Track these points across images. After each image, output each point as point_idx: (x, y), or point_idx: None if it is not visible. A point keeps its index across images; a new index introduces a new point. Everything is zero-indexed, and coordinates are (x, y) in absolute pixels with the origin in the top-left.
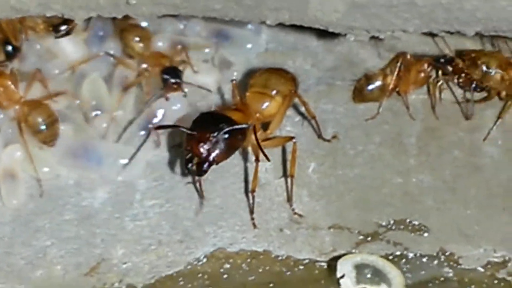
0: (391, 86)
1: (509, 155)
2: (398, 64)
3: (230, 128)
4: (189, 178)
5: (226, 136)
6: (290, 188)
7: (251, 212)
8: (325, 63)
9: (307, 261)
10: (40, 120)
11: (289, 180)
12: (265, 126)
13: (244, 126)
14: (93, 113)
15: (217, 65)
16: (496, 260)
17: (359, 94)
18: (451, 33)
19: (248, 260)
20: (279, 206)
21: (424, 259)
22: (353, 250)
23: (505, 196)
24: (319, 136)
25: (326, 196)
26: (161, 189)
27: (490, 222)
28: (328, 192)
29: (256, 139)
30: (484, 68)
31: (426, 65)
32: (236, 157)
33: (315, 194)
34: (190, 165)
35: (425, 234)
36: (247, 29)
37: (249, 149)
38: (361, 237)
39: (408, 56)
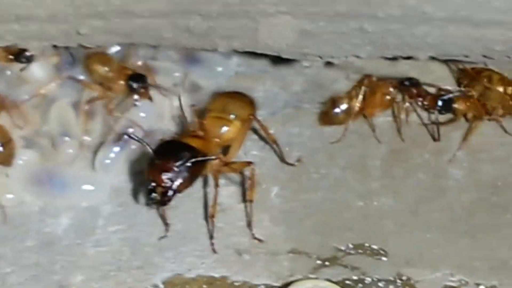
0: (356, 109)
1: (474, 177)
2: (363, 87)
3: (195, 159)
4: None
5: (189, 165)
6: (249, 213)
7: (211, 237)
8: (293, 86)
9: (262, 286)
10: None
11: (248, 205)
12: (225, 150)
13: (208, 158)
14: (61, 139)
15: (187, 89)
16: (452, 284)
17: (325, 117)
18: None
19: (204, 286)
20: (240, 231)
21: (381, 284)
22: (310, 275)
23: (467, 219)
24: (282, 160)
25: (287, 220)
26: (125, 214)
27: (450, 246)
28: (289, 217)
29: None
30: (486, 83)
31: (391, 88)
32: (197, 182)
33: (277, 218)
34: (153, 194)
35: (384, 258)
36: (218, 52)
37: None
38: (319, 261)
39: (374, 79)
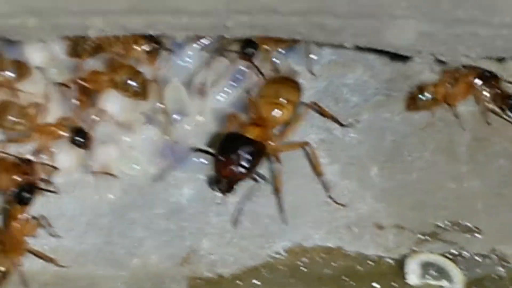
0: (440, 97)
1: None
2: (447, 76)
3: (249, 150)
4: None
5: (247, 156)
6: (326, 183)
7: (281, 210)
8: (382, 75)
9: (374, 257)
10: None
11: (320, 177)
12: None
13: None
14: (176, 117)
15: (285, 74)
16: None
17: (413, 103)
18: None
19: (323, 255)
20: (346, 206)
21: (478, 258)
22: (415, 248)
23: None
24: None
25: (387, 198)
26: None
27: None
28: (389, 195)
29: None
30: None
31: (473, 78)
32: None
33: (378, 196)
34: (220, 185)
35: (478, 235)
36: (313, 42)
37: None
38: (421, 236)
39: (458, 70)
